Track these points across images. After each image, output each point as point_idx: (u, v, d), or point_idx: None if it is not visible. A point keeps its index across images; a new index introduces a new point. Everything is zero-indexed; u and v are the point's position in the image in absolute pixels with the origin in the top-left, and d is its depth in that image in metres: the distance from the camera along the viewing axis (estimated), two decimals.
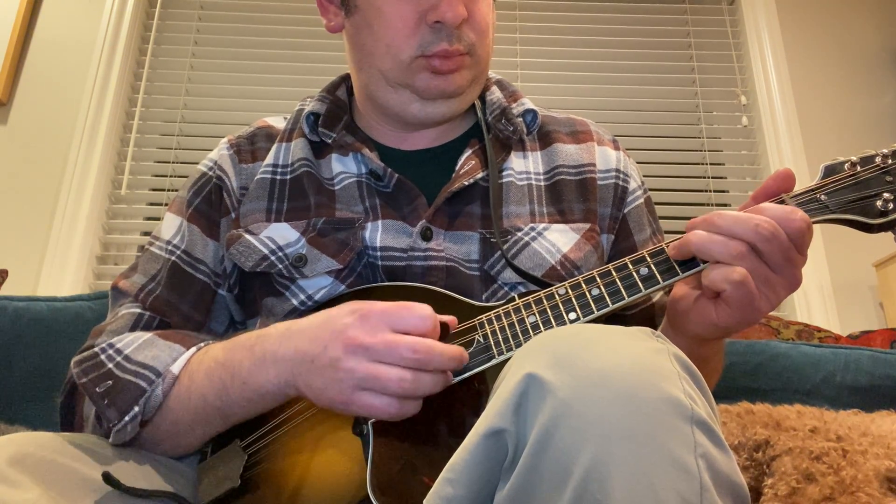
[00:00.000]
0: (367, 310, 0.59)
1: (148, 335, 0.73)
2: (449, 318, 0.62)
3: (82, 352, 0.74)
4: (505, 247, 0.76)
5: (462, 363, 0.60)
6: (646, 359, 0.45)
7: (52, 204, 2.07)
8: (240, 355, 0.65)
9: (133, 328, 0.76)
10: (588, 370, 0.44)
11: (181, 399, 0.68)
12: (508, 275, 0.75)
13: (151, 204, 2.20)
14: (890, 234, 0.65)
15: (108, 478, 0.60)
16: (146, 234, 2.14)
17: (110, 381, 0.68)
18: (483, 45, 0.80)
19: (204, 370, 0.67)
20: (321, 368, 0.58)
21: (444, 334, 0.61)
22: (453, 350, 0.58)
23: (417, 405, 0.58)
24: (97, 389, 0.68)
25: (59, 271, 2.00)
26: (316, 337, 0.60)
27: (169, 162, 2.19)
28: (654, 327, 0.83)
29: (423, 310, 0.58)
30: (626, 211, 0.86)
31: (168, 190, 2.17)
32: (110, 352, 0.71)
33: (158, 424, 0.69)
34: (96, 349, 0.72)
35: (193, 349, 0.70)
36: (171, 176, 2.18)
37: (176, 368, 0.68)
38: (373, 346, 0.56)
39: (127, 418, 0.66)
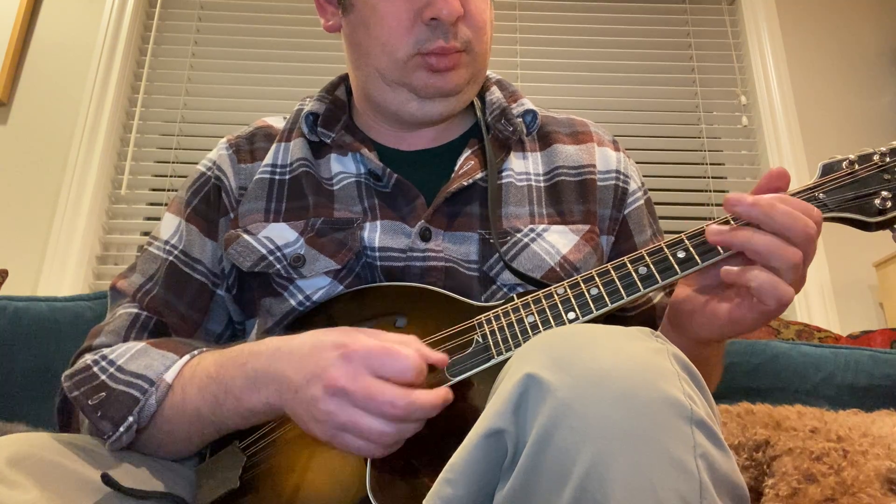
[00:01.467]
0: (351, 348, 0.56)
1: (140, 345, 0.72)
2: (439, 358, 0.60)
3: (74, 363, 0.73)
4: (504, 248, 0.76)
5: (446, 404, 0.57)
6: (645, 359, 0.45)
7: (52, 204, 2.07)
8: (232, 372, 0.64)
9: (130, 328, 0.76)
10: (587, 370, 0.44)
11: (175, 410, 0.67)
12: (507, 276, 0.75)
13: (151, 204, 2.20)
14: (888, 232, 0.65)
15: (106, 479, 0.60)
16: (146, 234, 2.14)
17: (103, 393, 0.67)
18: (480, 42, 0.79)
19: (196, 384, 0.66)
20: (303, 402, 0.57)
21: (433, 367, 0.59)
22: (435, 400, 0.56)
23: (402, 442, 0.57)
24: (89, 402, 0.67)
25: (59, 271, 2.00)
26: (301, 367, 0.58)
27: (169, 162, 2.19)
28: (655, 329, 0.83)
29: (407, 359, 0.55)
30: (626, 212, 0.85)
31: (168, 190, 2.17)
32: (103, 363, 0.70)
33: (154, 433, 0.68)
34: (88, 362, 0.71)
35: (187, 357, 0.69)
36: (171, 176, 2.18)
37: (169, 377, 0.68)
38: (352, 392, 0.54)
39: (122, 429, 0.66)
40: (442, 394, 0.56)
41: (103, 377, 0.69)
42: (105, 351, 0.72)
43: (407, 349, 0.56)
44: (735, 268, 0.60)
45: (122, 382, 0.68)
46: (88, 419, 0.67)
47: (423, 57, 0.75)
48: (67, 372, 0.72)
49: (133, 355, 0.70)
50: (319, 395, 0.56)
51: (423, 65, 0.76)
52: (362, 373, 0.55)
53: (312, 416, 0.56)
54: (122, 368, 0.69)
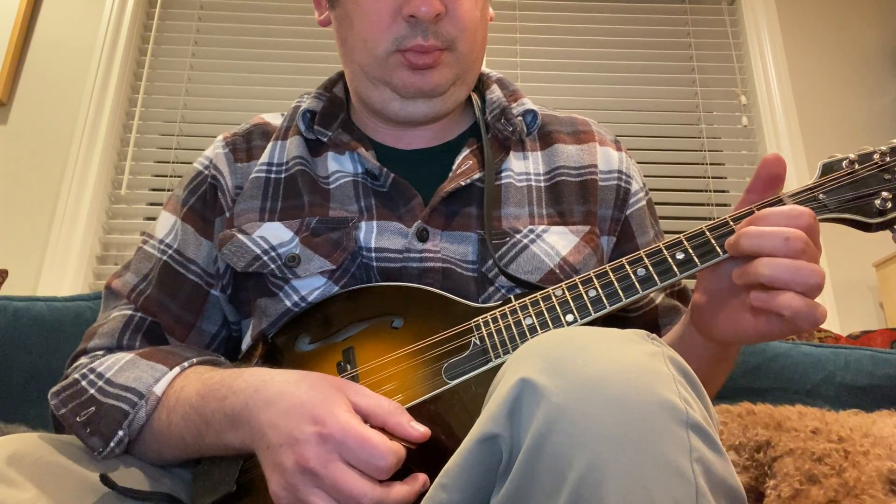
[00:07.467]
0: (328, 429, 0.54)
1: (129, 356, 0.71)
2: (420, 434, 0.57)
3: (68, 367, 0.73)
4: (503, 249, 0.75)
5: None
6: (640, 362, 0.44)
7: (52, 204, 2.07)
8: (212, 405, 0.63)
9: (125, 330, 0.76)
10: (582, 375, 0.43)
11: (163, 433, 0.66)
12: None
13: (151, 204, 2.20)
14: (888, 232, 0.65)
15: (105, 479, 0.60)
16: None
17: (92, 408, 0.66)
18: (466, 41, 0.76)
19: (180, 413, 0.65)
20: (272, 464, 0.56)
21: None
22: (406, 494, 0.54)
23: None
24: (78, 419, 0.66)
25: (59, 271, 2.00)
26: (275, 426, 0.56)
27: (169, 162, 2.19)
28: (657, 330, 0.82)
29: (383, 455, 0.53)
30: (628, 213, 0.84)
31: (168, 190, 2.17)
32: (91, 377, 0.69)
33: (143, 448, 0.68)
34: (76, 376, 0.71)
35: (177, 369, 0.68)
36: (171, 176, 2.18)
37: (159, 389, 0.67)
38: (321, 477, 0.53)
39: (112, 443, 0.65)
40: (418, 486, 0.55)
41: (92, 391, 0.68)
42: (94, 364, 0.71)
43: (385, 441, 0.54)
44: (764, 294, 0.57)
45: (111, 396, 0.67)
46: (77, 436, 0.66)
47: (402, 54, 0.74)
48: (54, 389, 0.70)
49: (122, 367, 0.69)
50: (289, 466, 0.54)
51: (403, 62, 0.74)
52: (334, 459, 0.53)
53: (278, 481, 0.55)
54: (111, 381, 0.68)
